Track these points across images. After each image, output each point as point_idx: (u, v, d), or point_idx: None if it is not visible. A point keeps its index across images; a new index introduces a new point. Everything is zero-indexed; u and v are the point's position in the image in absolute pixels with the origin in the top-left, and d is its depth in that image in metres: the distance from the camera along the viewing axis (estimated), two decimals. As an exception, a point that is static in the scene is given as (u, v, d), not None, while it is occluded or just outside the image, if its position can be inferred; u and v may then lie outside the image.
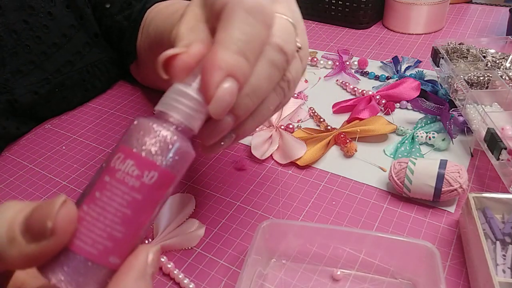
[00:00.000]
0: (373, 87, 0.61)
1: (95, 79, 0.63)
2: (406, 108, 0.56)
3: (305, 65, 0.33)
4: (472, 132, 0.48)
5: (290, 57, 0.28)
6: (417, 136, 0.50)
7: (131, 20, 0.58)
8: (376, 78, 0.63)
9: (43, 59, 0.55)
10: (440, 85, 0.57)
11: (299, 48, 0.30)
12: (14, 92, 0.53)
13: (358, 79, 0.63)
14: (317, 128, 0.54)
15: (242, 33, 0.25)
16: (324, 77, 0.65)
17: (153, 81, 0.62)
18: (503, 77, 0.51)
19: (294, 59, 0.30)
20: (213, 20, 0.27)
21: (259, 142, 0.51)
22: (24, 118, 0.57)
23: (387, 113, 0.55)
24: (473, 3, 0.86)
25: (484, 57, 0.55)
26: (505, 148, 0.40)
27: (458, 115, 0.50)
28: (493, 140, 0.41)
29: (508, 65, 0.54)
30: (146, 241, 0.40)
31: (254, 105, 0.28)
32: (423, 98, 0.54)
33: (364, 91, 0.59)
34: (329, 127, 0.53)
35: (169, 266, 0.38)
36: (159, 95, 0.25)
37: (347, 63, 0.66)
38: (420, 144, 0.50)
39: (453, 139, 0.49)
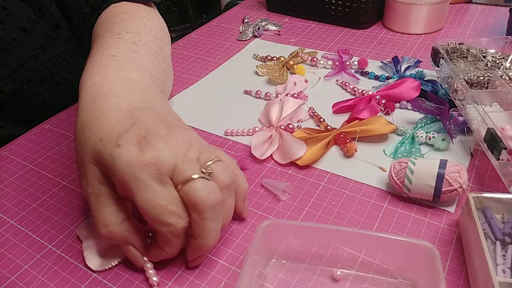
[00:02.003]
0: (373, 87, 0.61)
1: (64, 71, 0.61)
2: (406, 108, 0.56)
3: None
4: (472, 132, 0.48)
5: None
6: (417, 136, 0.50)
7: (93, 8, 0.56)
8: (376, 78, 0.63)
9: (4, 55, 0.53)
10: (440, 85, 0.57)
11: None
12: None
13: (358, 79, 0.63)
14: (317, 128, 0.54)
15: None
16: (324, 77, 0.65)
17: None
18: (503, 77, 0.51)
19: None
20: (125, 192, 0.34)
21: (259, 142, 0.51)
22: None
23: (387, 113, 0.55)
24: (473, 3, 0.86)
25: (484, 57, 0.55)
26: (505, 148, 0.40)
27: (458, 115, 0.50)
28: (493, 140, 0.41)
29: (508, 65, 0.54)
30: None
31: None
32: (423, 98, 0.54)
33: (364, 91, 0.59)
34: (329, 127, 0.53)
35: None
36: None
37: (347, 63, 0.66)
38: (420, 144, 0.50)
39: (453, 139, 0.49)
